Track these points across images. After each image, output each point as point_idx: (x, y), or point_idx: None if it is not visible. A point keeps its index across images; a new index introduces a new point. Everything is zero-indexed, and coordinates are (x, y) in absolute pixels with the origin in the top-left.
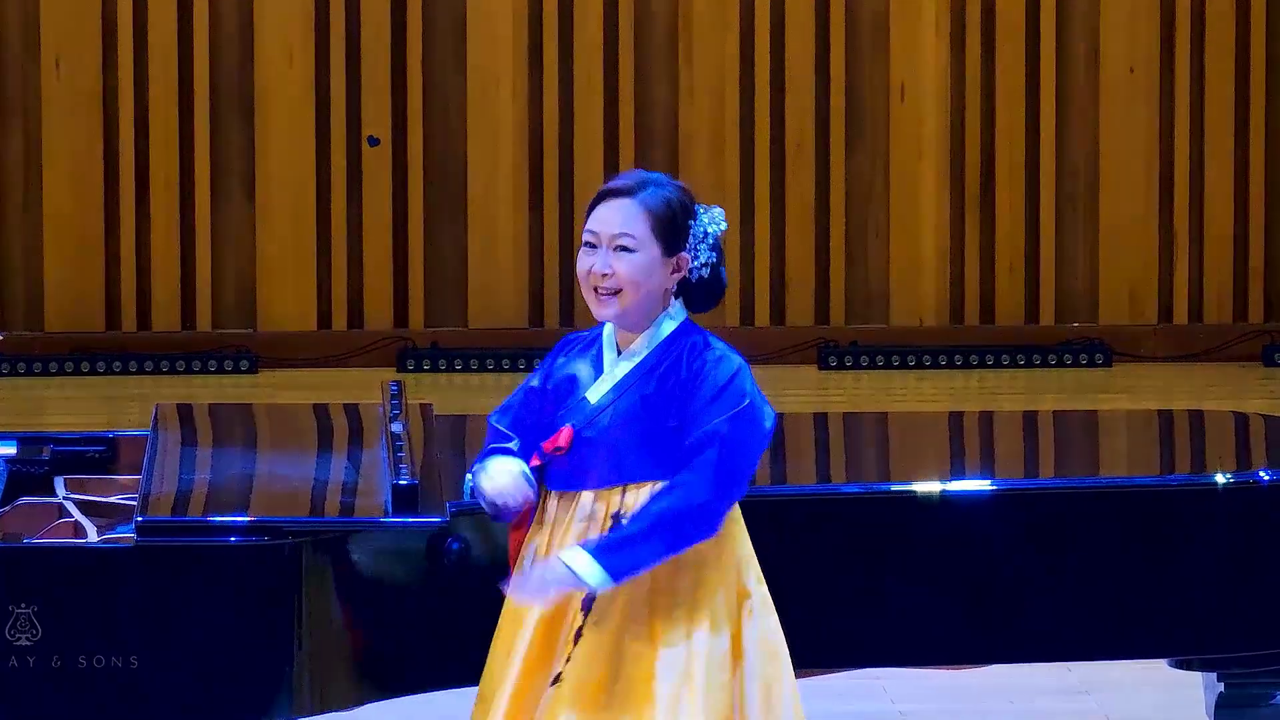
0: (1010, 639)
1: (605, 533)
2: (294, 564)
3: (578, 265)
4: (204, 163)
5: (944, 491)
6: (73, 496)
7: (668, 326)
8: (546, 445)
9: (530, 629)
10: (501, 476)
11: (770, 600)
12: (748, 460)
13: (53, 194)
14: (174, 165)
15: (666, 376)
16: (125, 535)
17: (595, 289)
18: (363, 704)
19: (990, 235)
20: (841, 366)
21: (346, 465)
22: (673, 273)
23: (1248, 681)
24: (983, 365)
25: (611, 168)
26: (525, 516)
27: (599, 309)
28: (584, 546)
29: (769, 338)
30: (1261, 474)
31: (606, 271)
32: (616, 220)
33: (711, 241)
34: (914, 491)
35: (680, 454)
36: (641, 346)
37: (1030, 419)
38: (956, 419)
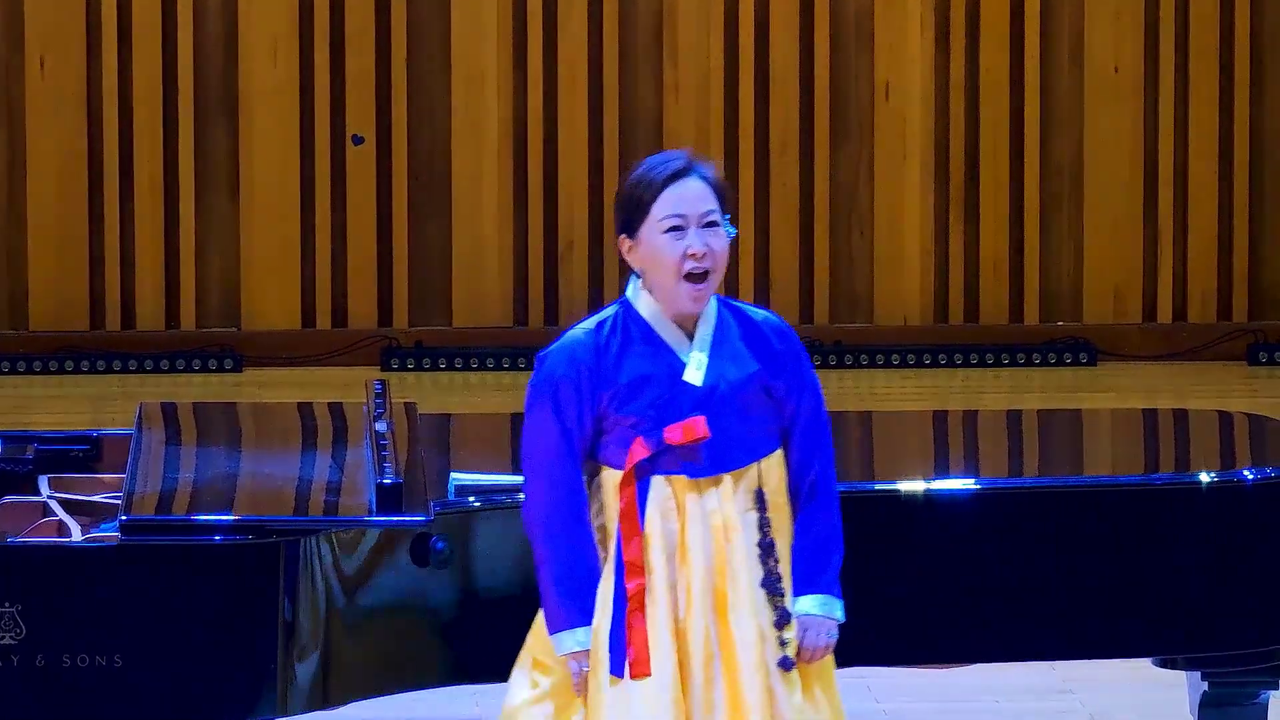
0: (994, 638)
1: (805, 561)
2: (278, 563)
3: (665, 251)
4: (188, 162)
5: (928, 491)
6: (57, 495)
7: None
8: (680, 437)
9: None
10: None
11: None
12: None
13: (37, 193)
14: (158, 164)
15: (758, 347)
16: (109, 534)
17: (685, 276)
18: (347, 702)
19: (974, 234)
20: (825, 365)
21: (331, 464)
22: None
23: (1231, 680)
24: (967, 364)
25: (596, 167)
26: (630, 481)
27: (693, 299)
28: (820, 591)
29: None
30: (1245, 473)
31: (705, 250)
32: (701, 198)
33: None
34: (898, 491)
35: (796, 425)
36: (706, 321)
37: (1015, 418)
38: (941, 418)
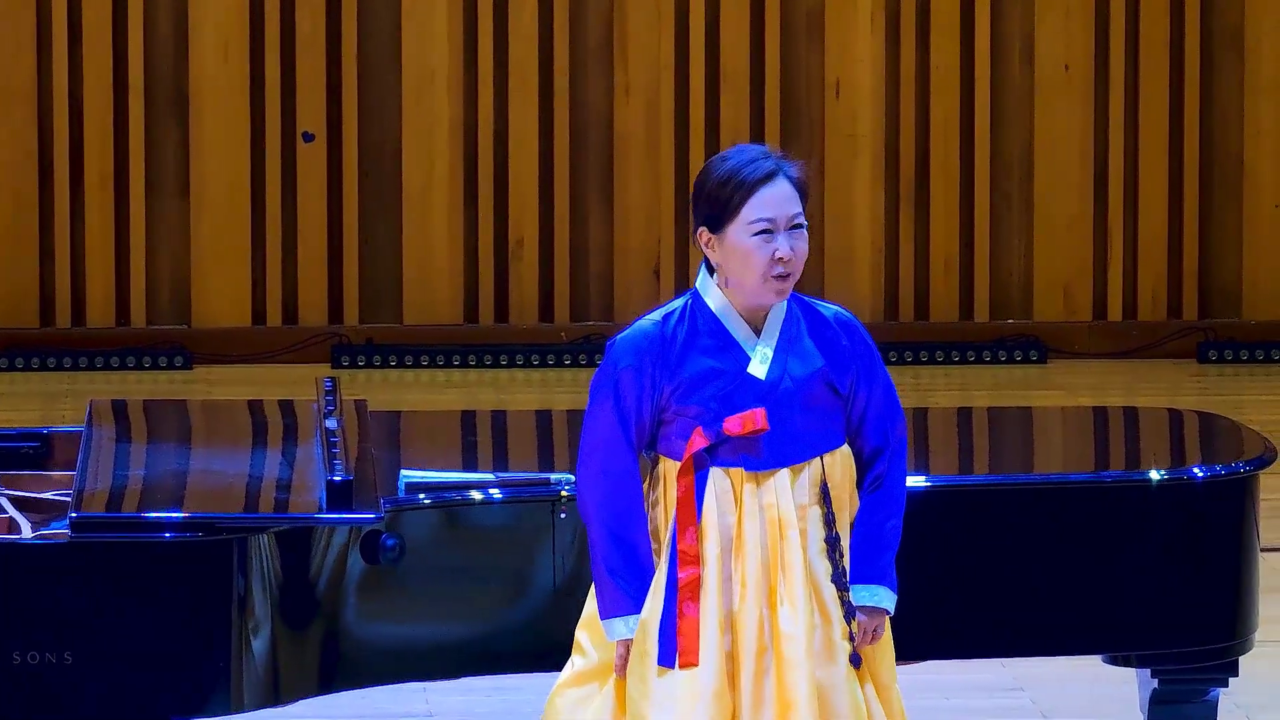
0: (944, 635)
1: (857, 551)
2: (228, 560)
3: (756, 255)
4: (139, 159)
5: None
6: (7, 492)
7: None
8: (739, 429)
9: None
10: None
11: None
12: None
13: None
14: (109, 161)
15: (825, 343)
16: (60, 531)
17: (770, 275)
18: (297, 699)
19: (925, 232)
20: None
21: (281, 462)
22: None
23: (1181, 678)
24: (917, 362)
25: (546, 165)
26: (689, 468)
27: (772, 296)
28: (867, 581)
29: None
30: (1195, 470)
31: (791, 255)
32: (789, 202)
33: None
34: None
35: (865, 421)
36: (776, 316)
37: (965, 415)
38: None
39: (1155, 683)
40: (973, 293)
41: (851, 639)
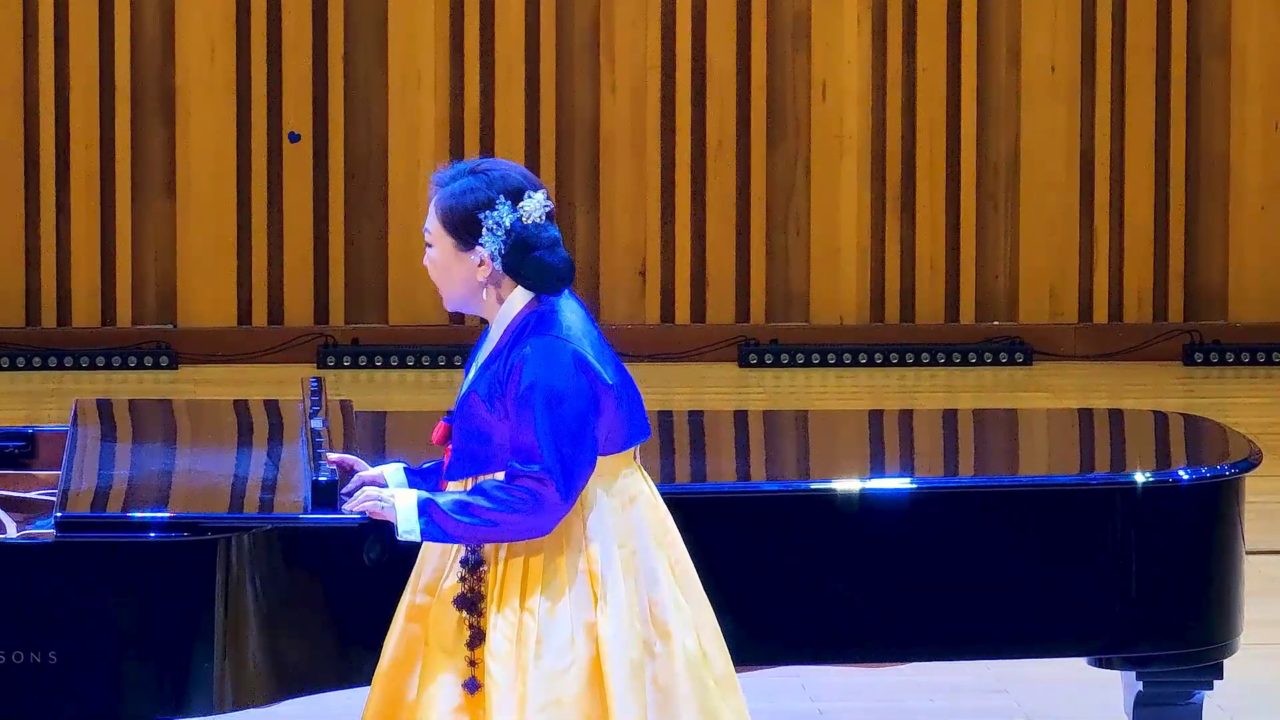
0: (929, 637)
1: (445, 498)
2: (213, 560)
3: None
4: (125, 159)
5: (863, 490)
6: None
7: (508, 315)
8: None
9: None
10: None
11: (655, 579)
12: (571, 468)
13: None
14: (94, 161)
15: (500, 368)
16: (44, 530)
17: None
18: (281, 700)
19: (911, 233)
20: (762, 364)
21: (266, 462)
22: (479, 264)
23: (1166, 680)
24: (903, 364)
25: (532, 165)
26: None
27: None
28: (425, 491)
29: (689, 335)
30: (1180, 473)
31: (426, 265)
32: (427, 217)
33: (503, 232)
34: (833, 490)
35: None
36: (494, 336)
37: (950, 418)
38: (876, 417)
39: (1140, 685)
40: (959, 295)
41: (471, 664)
